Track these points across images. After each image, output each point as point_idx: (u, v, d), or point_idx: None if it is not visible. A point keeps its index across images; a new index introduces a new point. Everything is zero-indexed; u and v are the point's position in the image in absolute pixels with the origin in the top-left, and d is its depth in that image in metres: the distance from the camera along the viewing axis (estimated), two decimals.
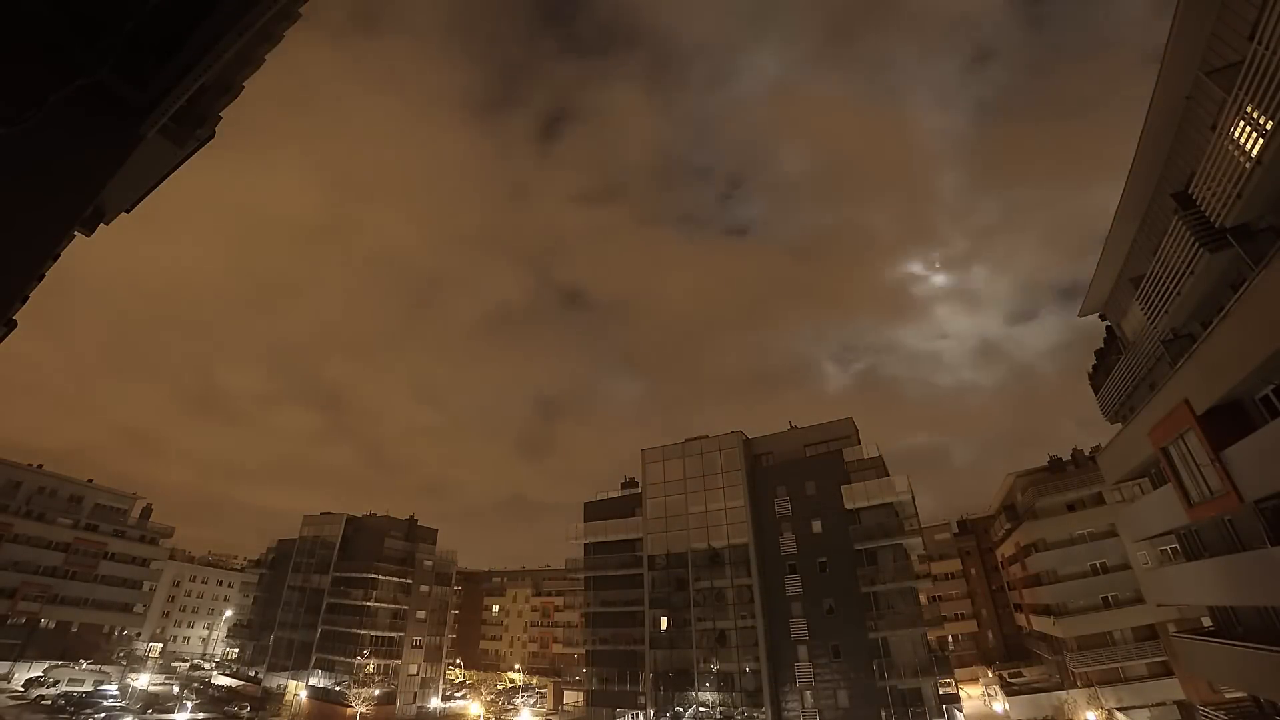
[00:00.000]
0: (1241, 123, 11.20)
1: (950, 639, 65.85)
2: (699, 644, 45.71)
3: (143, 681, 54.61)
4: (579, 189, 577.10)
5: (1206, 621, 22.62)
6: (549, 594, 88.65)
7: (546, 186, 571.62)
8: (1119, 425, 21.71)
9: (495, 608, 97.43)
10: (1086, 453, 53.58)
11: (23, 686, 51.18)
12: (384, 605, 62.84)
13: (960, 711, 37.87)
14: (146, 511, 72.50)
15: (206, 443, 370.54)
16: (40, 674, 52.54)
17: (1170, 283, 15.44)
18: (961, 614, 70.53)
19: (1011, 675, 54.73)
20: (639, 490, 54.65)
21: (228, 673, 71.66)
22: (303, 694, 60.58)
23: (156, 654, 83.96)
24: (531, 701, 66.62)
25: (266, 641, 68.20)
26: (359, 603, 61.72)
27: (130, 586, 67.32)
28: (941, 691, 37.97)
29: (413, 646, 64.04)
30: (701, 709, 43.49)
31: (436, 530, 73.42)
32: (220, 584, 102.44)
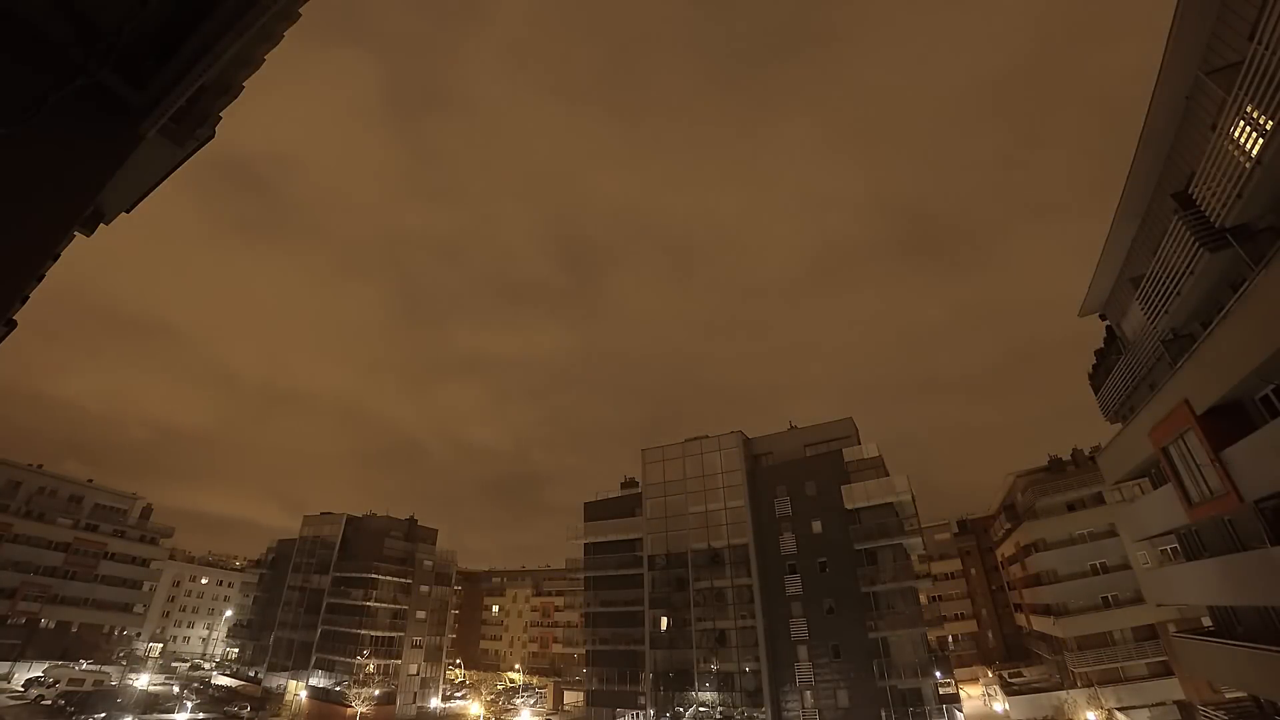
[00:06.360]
0: (1241, 122, 11.20)
1: (950, 639, 65.94)
2: (699, 644, 45.69)
3: (143, 681, 54.56)
4: None
5: (1206, 621, 22.63)
6: (549, 594, 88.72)
7: None
8: (1119, 425, 21.71)
9: (495, 608, 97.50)
10: (1087, 453, 53.62)
11: (23, 686, 51.11)
12: (384, 605, 62.83)
13: (960, 711, 37.84)
14: (146, 511, 72.61)
15: None
16: (40, 674, 52.41)
17: (1170, 283, 15.42)
18: (961, 614, 70.56)
19: (1011, 675, 54.70)
20: (639, 490, 54.66)
21: (228, 673, 71.68)
22: (303, 694, 60.57)
23: (156, 654, 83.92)
24: (531, 701, 66.54)
25: (266, 641, 68.23)
26: (359, 603, 61.71)
27: (130, 586, 67.41)
28: (941, 691, 37.96)
29: (413, 646, 64.04)
30: (701, 709, 43.46)
31: (436, 530, 73.64)
32: (220, 584, 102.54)
